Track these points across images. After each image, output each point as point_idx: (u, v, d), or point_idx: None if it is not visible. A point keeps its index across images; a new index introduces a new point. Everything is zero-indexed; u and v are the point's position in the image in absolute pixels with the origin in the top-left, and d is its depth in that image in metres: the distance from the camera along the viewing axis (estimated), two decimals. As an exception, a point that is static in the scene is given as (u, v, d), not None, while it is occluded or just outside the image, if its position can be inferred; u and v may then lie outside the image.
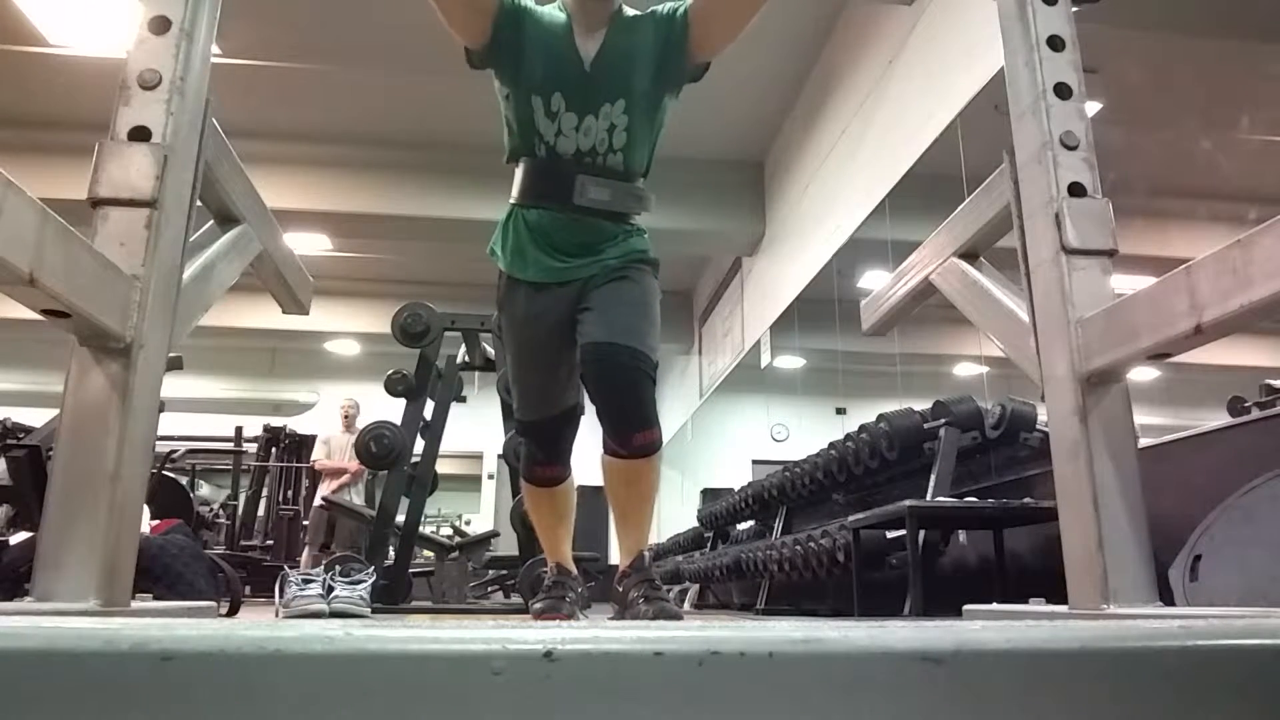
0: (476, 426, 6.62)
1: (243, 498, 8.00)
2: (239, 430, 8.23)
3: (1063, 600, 1.69)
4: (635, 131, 1.85)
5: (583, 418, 2.03)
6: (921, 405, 4.13)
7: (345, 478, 6.74)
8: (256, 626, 0.55)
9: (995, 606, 1.99)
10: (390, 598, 4.32)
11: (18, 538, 2.71)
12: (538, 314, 1.88)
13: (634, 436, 1.77)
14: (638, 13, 1.89)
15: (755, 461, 11.50)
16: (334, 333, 11.40)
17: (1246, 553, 1.91)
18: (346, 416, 7.03)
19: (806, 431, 10.60)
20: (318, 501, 6.76)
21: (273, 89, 7.04)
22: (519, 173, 1.89)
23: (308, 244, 8.61)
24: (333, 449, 6.87)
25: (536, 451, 2.01)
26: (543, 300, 1.88)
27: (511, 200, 1.91)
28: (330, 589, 3.07)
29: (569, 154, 1.83)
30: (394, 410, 4.73)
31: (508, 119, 1.89)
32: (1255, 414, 2.66)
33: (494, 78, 1.89)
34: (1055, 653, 0.58)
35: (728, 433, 11.98)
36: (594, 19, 1.84)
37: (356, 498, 6.71)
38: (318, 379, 11.95)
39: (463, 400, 5.09)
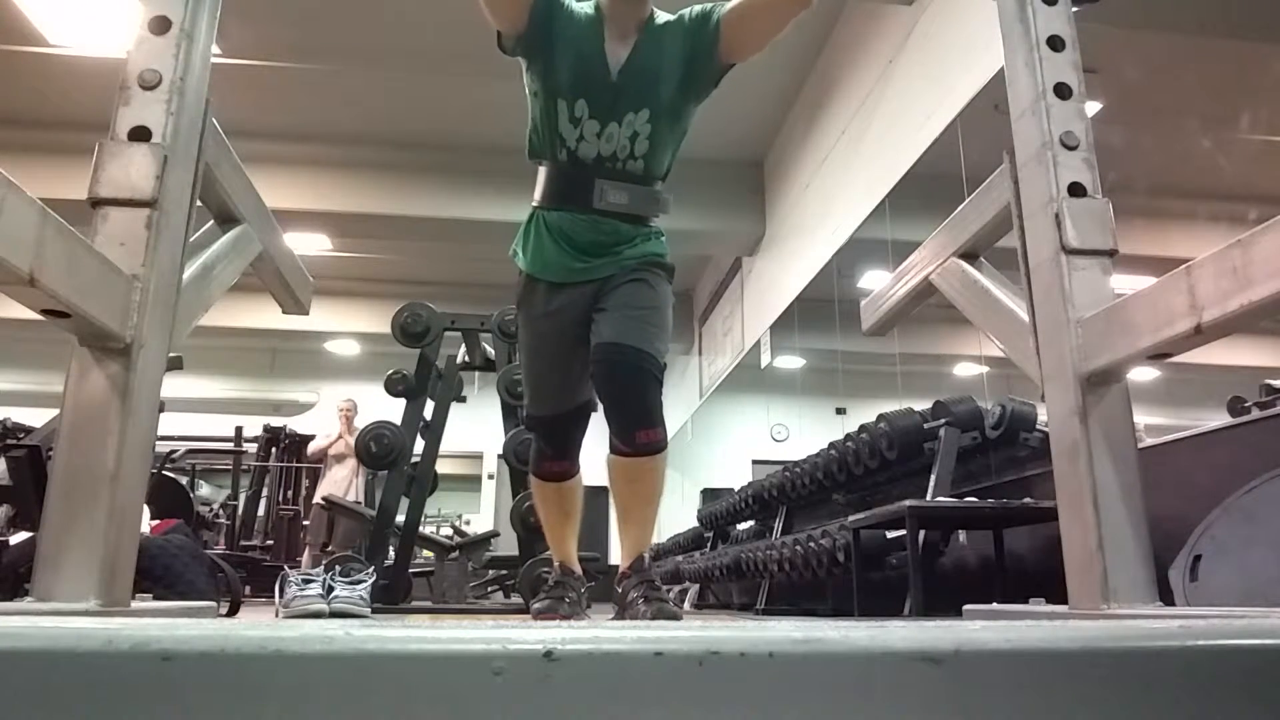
0: (476, 426, 6.62)
1: (243, 498, 8.00)
2: (239, 430, 8.23)
3: (1063, 600, 1.69)
4: (657, 139, 1.86)
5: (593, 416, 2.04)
6: (921, 405, 4.13)
7: (348, 470, 6.69)
8: (256, 626, 0.55)
9: (995, 606, 1.99)
10: (390, 598, 4.32)
11: (18, 538, 2.71)
12: (553, 311, 1.91)
13: (637, 434, 1.79)
14: (669, 18, 1.89)
15: (755, 461, 11.51)
16: (334, 333, 11.40)
17: (1246, 553, 1.91)
18: (348, 419, 6.97)
19: (806, 431, 10.60)
20: (318, 499, 6.71)
21: (273, 89, 7.04)
22: (540, 176, 1.92)
23: (308, 244, 8.61)
24: (334, 446, 6.87)
25: (546, 447, 2.03)
26: (559, 298, 1.90)
27: (533, 203, 1.94)
28: (330, 589, 3.07)
29: (589, 159, 1.85)
30: (394, 410, 4.73)
31: (533, 116, 1.91)
32: (1255, 414, 2.66)
33: (524, 71, 1.90)
34: (1055, 653, 0.58)
35: (728, 433, 11.98)
36: (626, 25, 1.85)
37: (357, 495, 6.68)
38: (318, 379, 11.95)
39: (463, 400, 5.09)
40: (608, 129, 1.83)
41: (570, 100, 1.82)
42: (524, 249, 1.95)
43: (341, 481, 6.69)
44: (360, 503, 6.42)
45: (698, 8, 1.88)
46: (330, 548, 6.49)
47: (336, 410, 7.09)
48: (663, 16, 1.89)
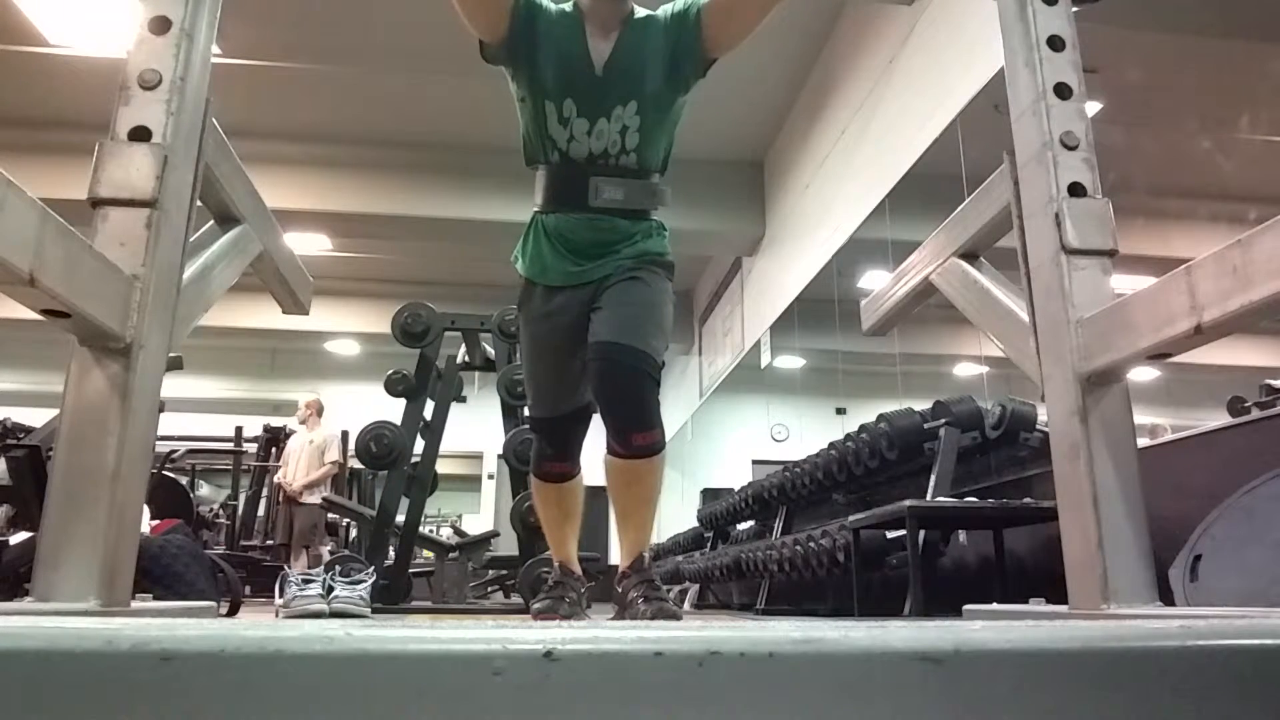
0: (476, 426, 6.62)
1: (243, 498, 7.99)
2: (239, 430, 8.23)
3: (1063, 600, 1.69)
4: (648, 131, 1.86)
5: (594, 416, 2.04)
6: (921, 405, 4.13)
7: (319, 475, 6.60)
8: (256, 626, 0.55)
9: (995, 606, 1.99)
10: (390, 598, 4.32)
11: (18, 538, 2.71)
12: (551, 313, 1.91)
13: (634, 437, 1.78)
14: (649, 12, 1.90)
15: (755, 461, 11.51)
16: (334, 333, 11.40)
17: (1246, 553, 1.91)
18: (302, 422, 6.83)
19: (806, 431, 10.61)
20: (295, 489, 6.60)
21: (273, 89, 7.04)
22: (538, 180, 1.93)
23: (308, 244, 8.61)
24: (288, 457, 6.74)
25: (546, 448, 2.03)
26: (557, 300, 1.91)
27: (534, 208, 1.95)
28: (330, 589, 3.07)
29: (582, 158, 1.86)
30: (394, 410, 4.73)
31: (523, 122, 1.91)
32: (1255, 414, 2.66)
33: (509, 79, 1.90)
34: (1055, 653, 0.58)
35: (728, 433, 11.99)
36: (608, 21, 1.85)
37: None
38: (318, 379, 11.95)
39: (463, 400, 5.10)
40: (597, 126, 1.83)
41: (558, 101, 1.83)
42: (523, 253, 1.96)
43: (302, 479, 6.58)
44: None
45: (677, 3, 1.88)
46: (290, 543, 6.45)
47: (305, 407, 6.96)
48: (641, 12, 1.90)
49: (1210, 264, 1.35)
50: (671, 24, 1.86)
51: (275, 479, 6.89)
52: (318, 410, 6.90)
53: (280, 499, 6.99)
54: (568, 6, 1.89)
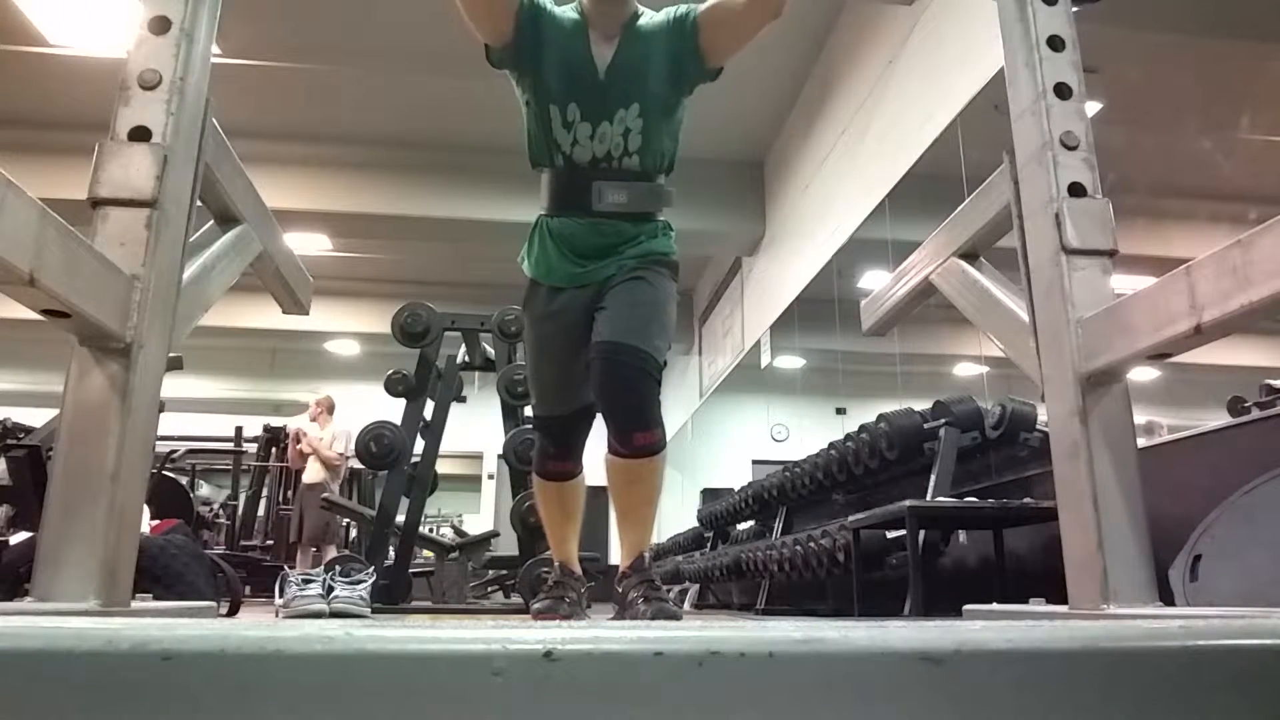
0: (476, 426, 6.61)
1: (243, 498, 7.99)
2: (239, 430, 8.22)
3: (1063, 600, 1.69)
4: (650, 132, 1.87)
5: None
6: (921, 405, 4.13)
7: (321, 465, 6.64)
8: (256, 626, 0.55)
9: (995, 606, 1.99)
10: (390, 598, 4.32)
11: (18, 538, 2.71)
12: (555, 312, 1.92)
13: (634, 436, 1.78)
14: (652, 15, 1.91)
15: (755, 461, 11.49)
16: (334, 333, 11.40)
17: (1246, 553, 1.91)
18: (313, 419, 6.94)
19: (806, 431, 10.59)
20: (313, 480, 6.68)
21: (273, 89, 7.03)
22: (542, 183, 1.94)
23: (308, 244, 8.61)
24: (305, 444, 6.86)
25: (549, 446, 2.04)
26: (561, 300, 1.92)
27: (540, 210, 1.97)
28: (330, 589, 3.07)
29: (585, 162, 1.87)
30: (394, 410, 4.73)
31: (528, 125, 1.93)
32: (1255, 414, 2.66)
33: (514, 83, 1.92)
34: (1055, 653, 0.58)
35: (728, 433, 11.97)
36: (611, 24, 1.87)
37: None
38: (318, 379, 11.94)
39: (463, 400, 5.09)
40: (600, 129, 1.85)
41: (562, 105, 1.84)
42: (529, 254, 1.98)
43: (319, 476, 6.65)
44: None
45: (679, 7, 1.89)
46: (302, 541, 6.49)
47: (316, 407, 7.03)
48: (646, 14, 1.91)
49: (1210, 264, 1.35)
50: (672, 30, 1.87)
51: (292, 449, 6.94)
52: (329, 408, 6.98)
53: (283, 498, 7.01)
54: (572, 10, 1.89)
